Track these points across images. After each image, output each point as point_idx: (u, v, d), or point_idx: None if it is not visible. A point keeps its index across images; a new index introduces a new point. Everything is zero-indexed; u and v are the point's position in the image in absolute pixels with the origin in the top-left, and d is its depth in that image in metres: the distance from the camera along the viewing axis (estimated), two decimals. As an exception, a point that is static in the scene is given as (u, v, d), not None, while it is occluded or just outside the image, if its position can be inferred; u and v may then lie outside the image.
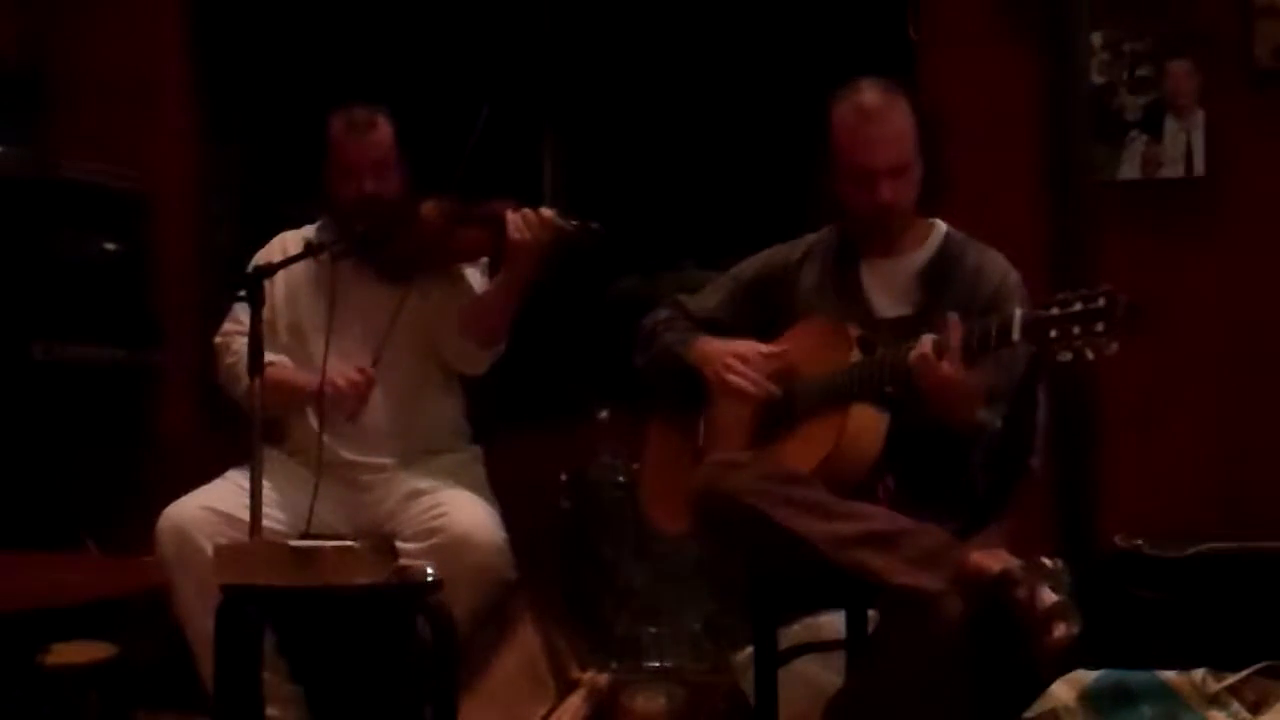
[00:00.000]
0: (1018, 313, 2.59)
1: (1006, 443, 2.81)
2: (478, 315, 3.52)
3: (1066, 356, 2.53)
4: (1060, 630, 2.49)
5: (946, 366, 2.62)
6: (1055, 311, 2.52)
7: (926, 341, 2.65)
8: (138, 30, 4.55)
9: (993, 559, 2.57)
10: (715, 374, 2.95)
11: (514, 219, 3.37)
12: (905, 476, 2.79)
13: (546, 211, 3.39)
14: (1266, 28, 3.71)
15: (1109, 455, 3.75)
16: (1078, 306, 2.50)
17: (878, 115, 2.85)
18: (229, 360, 3.57)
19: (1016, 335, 2.57)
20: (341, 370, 3.43)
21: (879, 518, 2.65)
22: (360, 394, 3.43)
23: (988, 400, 2.74)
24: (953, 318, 2.65)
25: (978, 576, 2.55)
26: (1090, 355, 2.50)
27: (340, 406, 3.44)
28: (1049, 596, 2.50)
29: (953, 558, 2.58)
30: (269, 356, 3.25)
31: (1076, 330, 2.49)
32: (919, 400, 2.68)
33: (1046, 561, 2.54)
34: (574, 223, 3.40)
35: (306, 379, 3.46)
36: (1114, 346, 2.47)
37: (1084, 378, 3.58)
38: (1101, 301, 2.48)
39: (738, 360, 2.93)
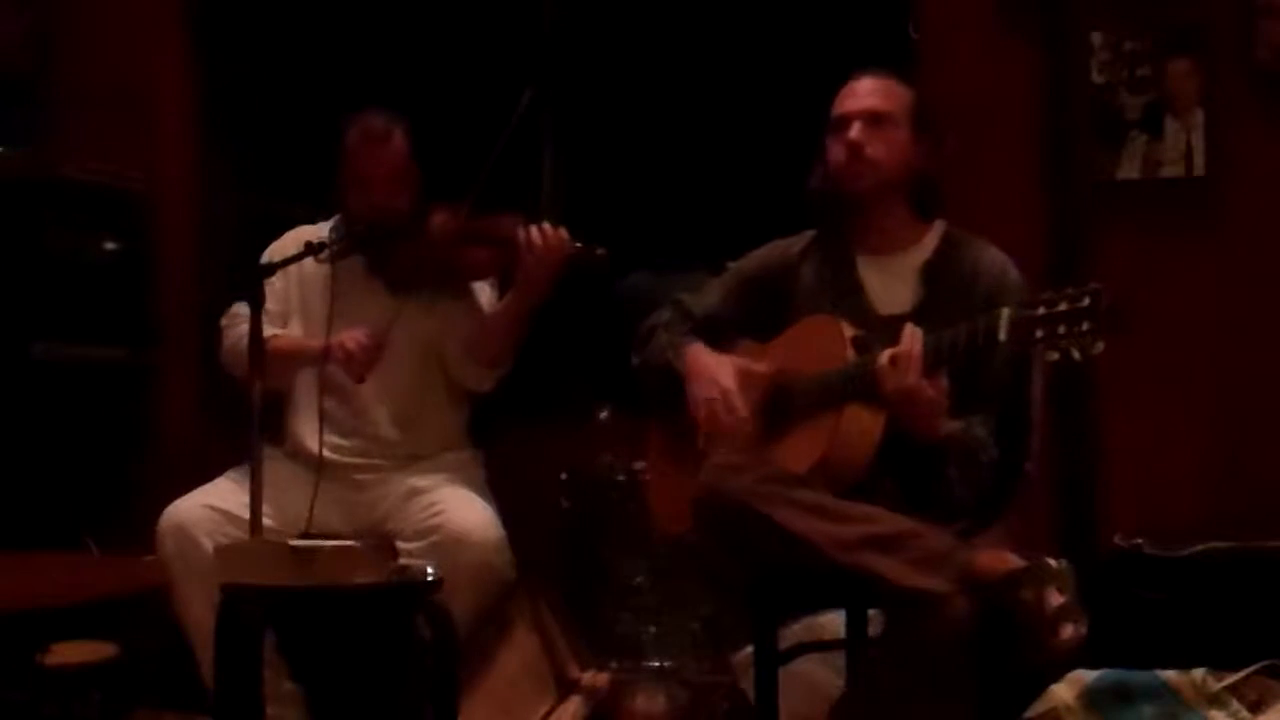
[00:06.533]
0: (1004, 312, 2.58)
1: (999, 447, 2.81)
2: (484, 337, 3.52)
3: (1054, 356, 2.52)
4: (1068, 632, 2.48)
5: (909, 375, 2.63)
6: (1041, 311, 2.52)
7: (885, 354, 2.67)
8: (138, 32, 4.54)
9: (999, 560, 2.56)
10: (694, 399, 2.94)
11: (529, 232, 3.36)
12: (904, 478, 2.79)
13: (563, 231, 3.39)
14: (1266, 28, 3.71)
15: (1109, 455, 3.74)
16: (1063, 306, 2.49)
17: (865, 75, 2.96)
18: (233, 339, 3.55)
19: (1003, 336, 2.56)
20: (350, 334, 3.42)
21: (883, 519, 2.64)
22: (367, 358, 3.42)
23: (966, 408, 2.74)
24: (910, 328, 2.67)
25: (984, 578, 2.54)
26: (1077, 355, 2.49)
27: (348, 370, 3.43)
28: (1056, 598, 2.48)
29: (958, 559, 2.57)
30: (271, 330, 3.25)
31: (1062, 330, 2.48)
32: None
33: (1052, 562, 2.52)
34: (579, 245, 3.40)
35: (312, 342, 3.45)
36: (1099, 346, 2.46)
37: (1083, 377, 3.58)
38: (1087, 301, 2.46)
39: (719, 394, 2.90)
